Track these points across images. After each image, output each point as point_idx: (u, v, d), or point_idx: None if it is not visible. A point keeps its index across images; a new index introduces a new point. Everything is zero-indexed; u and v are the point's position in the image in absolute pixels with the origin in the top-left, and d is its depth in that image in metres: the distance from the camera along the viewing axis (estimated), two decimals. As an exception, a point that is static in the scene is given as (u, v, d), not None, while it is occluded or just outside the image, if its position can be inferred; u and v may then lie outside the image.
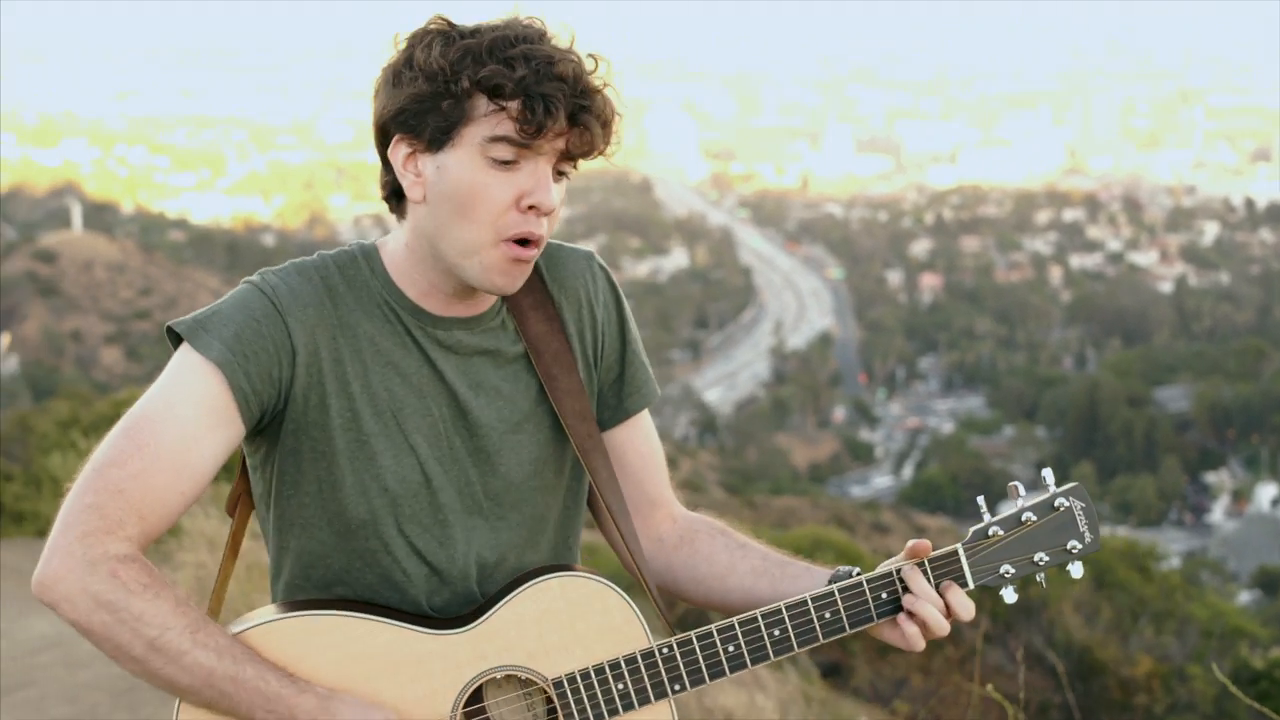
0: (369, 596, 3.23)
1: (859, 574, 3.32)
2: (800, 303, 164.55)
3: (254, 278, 3.22)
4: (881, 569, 3.34)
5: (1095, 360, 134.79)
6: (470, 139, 3.03)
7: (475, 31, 3.04)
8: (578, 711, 3.17)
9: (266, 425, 3.19)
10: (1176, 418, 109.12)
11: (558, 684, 3.16)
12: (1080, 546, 3.40)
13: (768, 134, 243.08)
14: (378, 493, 3.19)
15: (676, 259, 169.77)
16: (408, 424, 3.21)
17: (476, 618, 3.16)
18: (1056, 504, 3.39)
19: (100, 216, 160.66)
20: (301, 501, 3.23)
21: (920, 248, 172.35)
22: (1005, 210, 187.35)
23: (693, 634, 3.20)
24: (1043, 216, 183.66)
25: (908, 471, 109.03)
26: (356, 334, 3.20)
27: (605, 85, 3.11)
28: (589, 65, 3.09)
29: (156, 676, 3.01)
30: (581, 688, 3.17)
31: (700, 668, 3.22)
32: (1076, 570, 3.42)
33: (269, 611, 3.17)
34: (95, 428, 18.81)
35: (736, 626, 3.23)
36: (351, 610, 3.16)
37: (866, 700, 16.60)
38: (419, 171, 3.10)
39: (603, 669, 3.17)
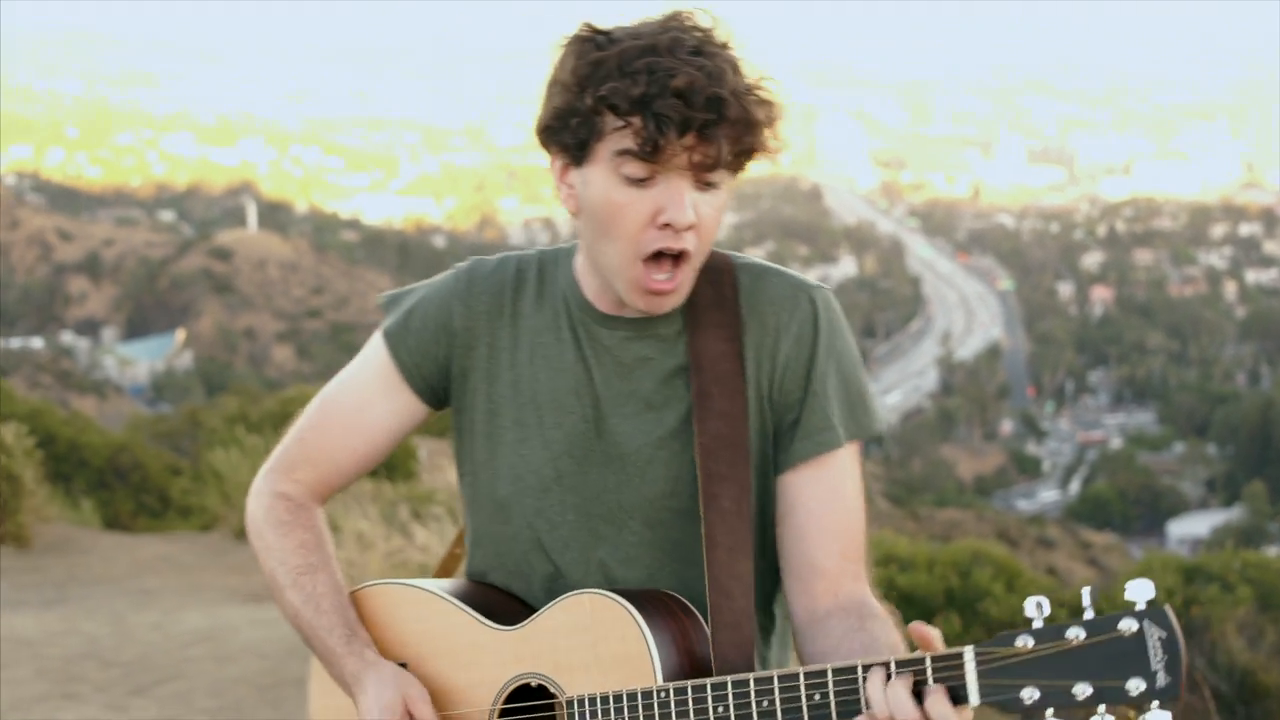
0: (512, 581, 3.30)
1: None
2: (969, 313, 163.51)
3: (459, 263, 3.38)
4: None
5: (1269, 377, 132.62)
6: (604, 155, 2.99)
7: (613, 40, 2.98)
8: None
9: (446, 403, 3.35)
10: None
11: (570, 703, 3.09)
12: (1145, 687, 2.53)
13: (939, 143, 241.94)
14: (511, 480, 3.24)
15: (845, 267, 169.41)
16: (548, 418, 3.21)
17: (528, 618, 3.17)
18: (1121, 625, 2.56)
19: (274, 216, 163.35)
20: (467, 481, 3.36)
21: (1092, 260, 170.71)
22: (1180, 223, 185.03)
23: (688, 684, 2.95)
24: (1218, 230, 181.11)
25: (1075, 486, 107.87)
26: (524, 325, 3.25)
27: (747, 91, 2.98)
28: (725, 70, 2.96)
29: (277, 604, 3.36)
30: (589, 713, 3.07)
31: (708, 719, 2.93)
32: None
33: (394, 580, 3.40)
34: (261, 424, 19.02)
35: (728, 686, 2.91)
36: (469, 587, 3.31)
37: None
38: (570, 184, 3.08)
39: (608, 699, 3.04)
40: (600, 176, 2.99)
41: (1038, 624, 2.64)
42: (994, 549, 22.37)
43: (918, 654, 2.75)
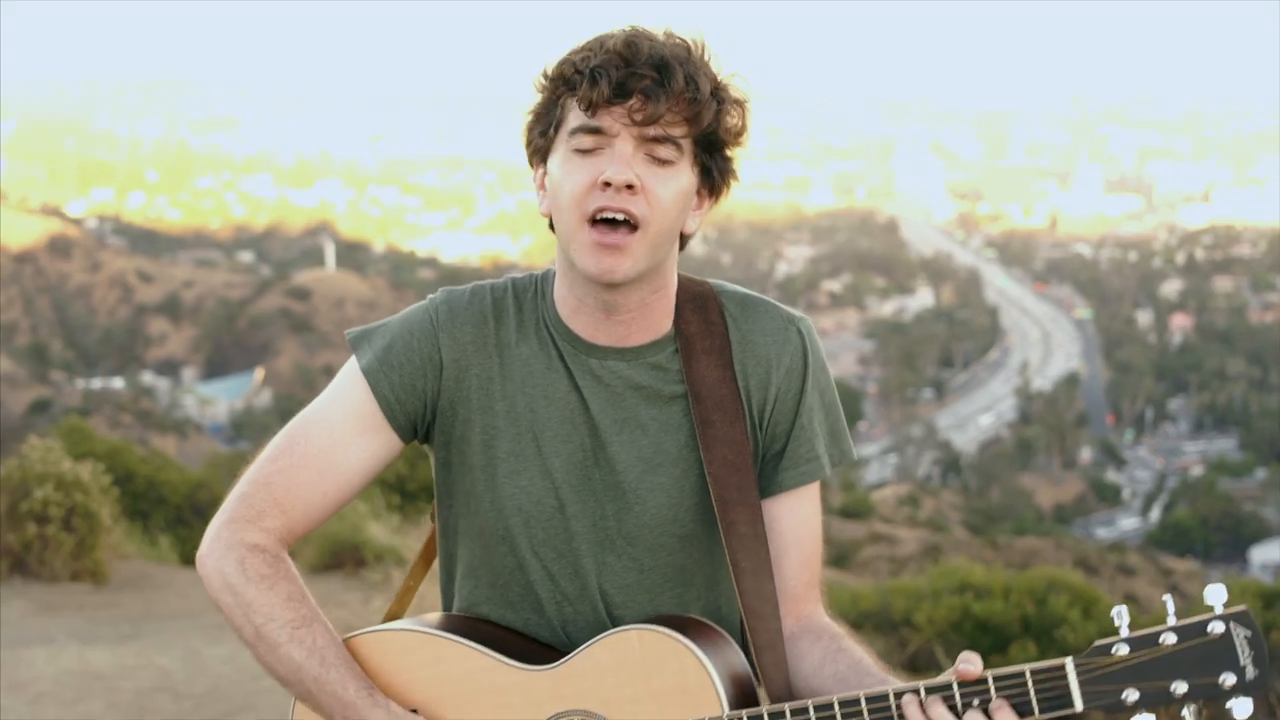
0: (510, 615, 3.31)
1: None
2: (1047, 343, 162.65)
3: (432, 295, 3.36)
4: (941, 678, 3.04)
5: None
6: (562, 139, 3.11)
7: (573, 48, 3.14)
8: None
9: (427, 435, 3.31)
10: None
11: None
12: (1236, 680, 2.84)
13: (1015, 174, 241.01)
14: (512, 511, 3.24)
15: (922, 298, 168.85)
16: (547, 448, 3.23)
17: (555, 659, 3.16)
18: (1210, 628, 2.86)
19: (352, 255, 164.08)
20: (456, 512, 3.33)
21: (1170, 288, 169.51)
22: (1259, 250, 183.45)
23: (764, 710, 3.05)
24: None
25: (1155, 514, 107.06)
26: (512, 355, 3.26)
27: (697, 68, 3.08)
28: (675, 48, 3.07)
29: (262, 662, 3.24)
30: None
31: None
32: (1240, 709, 2.82)
33: (392, 624, 3.32)
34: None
35: (811, 709, 3.02)
36: (455, 632, 3.25)
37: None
38: (544, 185, 3.21)
39: None
40: (558, 160, 3.12)
41: (1124, 631, 2.89)
42: (1070, 576, 22.28)
43: (1020, 668, 2.91)
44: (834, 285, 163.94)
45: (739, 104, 3.15)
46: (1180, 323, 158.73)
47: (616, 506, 3.24)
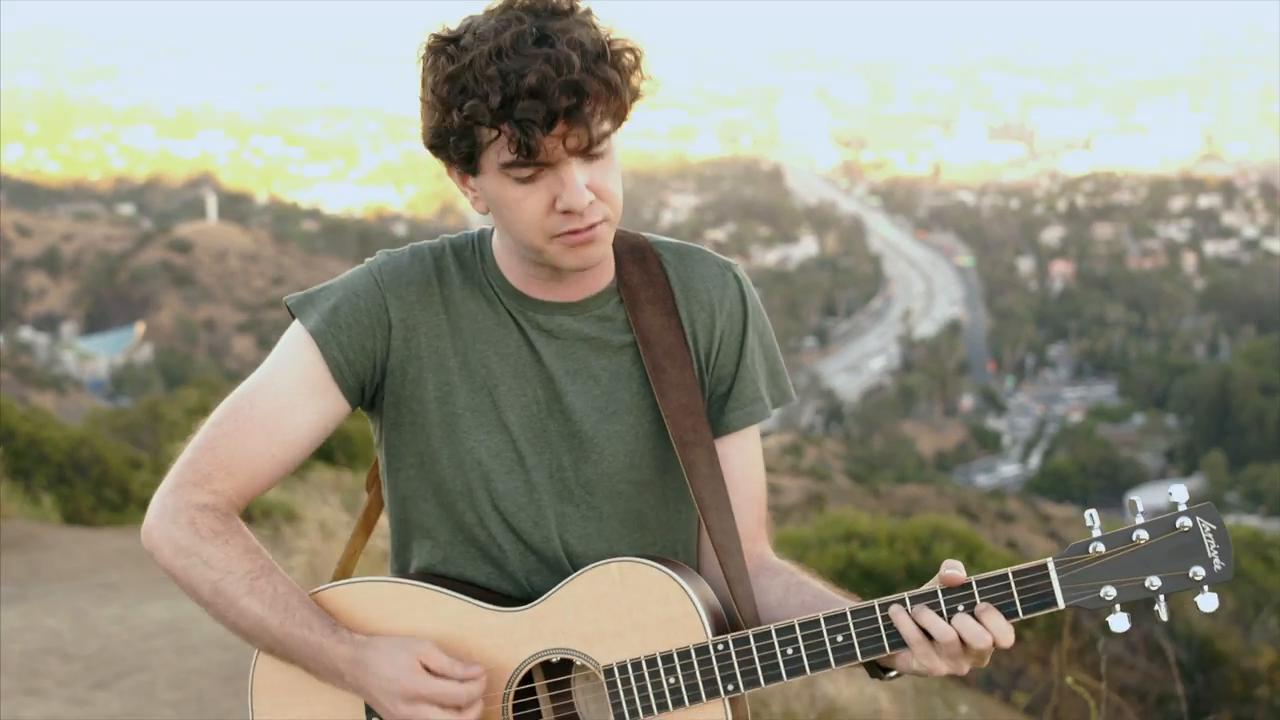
0: (470, 571, 3.29)
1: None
2: (930, 290, 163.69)
3: (371, 257, 3.35)
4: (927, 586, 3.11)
5: (1228, 348, 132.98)
6: (489, 164, 3.06)
7: (462, 48, 3.03)
8: (626, 701, 3.12)
9: (373, 400, 3.31)
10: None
11: (608, 671, 3.13)
12: (1205, 573, 2.96)
13: (899, 121, 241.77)
14: (471, 465, 3.25)
15: (806, 247, 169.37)
16: (502, 401, 3.25)
17: (541, 597, 3.17)
18: (1179, 523, 2.98)
19: (235, 207, 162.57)
20: (407, 475, 3.33)
21: (1052, 235, 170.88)
22: (1139, 197, 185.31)
23: (750, 632, 3.09)
24: (1177, 203, 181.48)
25: (1035, 460, 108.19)
26: (459, 311, 3.27)
27: (599, 58, 3.01)
28: (574, 49, 2.98)
29: (223, 620, 3.19)
30: (632, 677, 3.12)
31: (755, 668, 3.10)
32: (1206, 603, 2.94)
33: (359, 578, 3.30)
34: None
35: (797, 629, 3.09)
36: (424, 582, 3.24)
37: (983, 690, 16.57)
38: (472, 189, 3.17)
39: (655, 660, 3.11)
40: (493, 183, 3.07)
41: (1096, 531, 2.99)
42: (954, 524, 22.58)
43: (1001, 571, 3.03)
44: (719, 234, 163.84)
45: (636, 59, 3.10)
46: (1061, 270, 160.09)
47: (574, 456, 3.27)
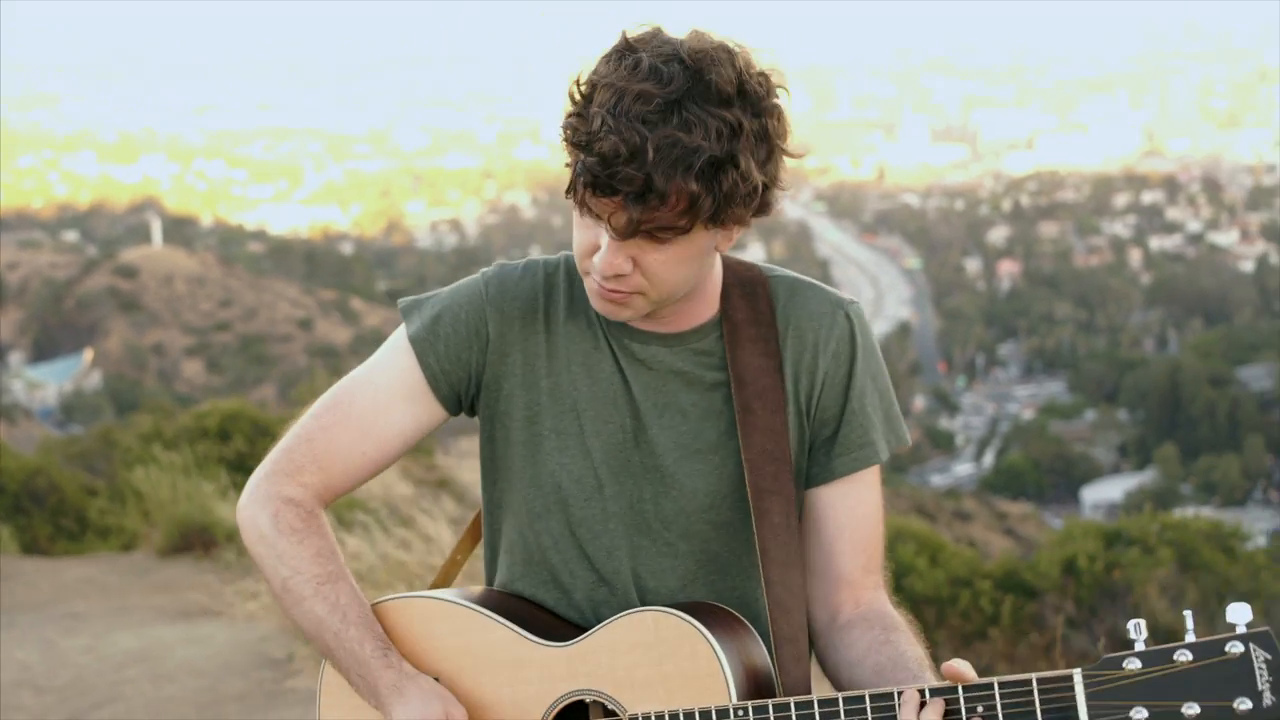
0: (543, 593, 3.33)
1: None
2: (878, 293, 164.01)
3: (486, 268, 3.39)
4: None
5: (1176, 341, 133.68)
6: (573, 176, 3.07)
7: (622, 65, 2.98)
8: None
9: (472, 408, 3.37)
10: (1260, 396, 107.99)
11: (634, 719, 3.12)
12: (1251, 706, 2.69)
13: (843, 127, 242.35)
14: (551, 488, 3.28)
15: (753, 254, 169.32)
16: (588, 427, 3.26)
17: (580, 635, 3.18)
18: (1229, 648, 2.73)
19: (180, 231, 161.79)
20: (500, 487, 3.37)
21: (998, 235, 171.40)
22: (1083, 195, 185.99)
23: (769, 702, 3.04)
24: (1121, 200, 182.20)
25: (989, 458, 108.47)
26: (559, 332, 3.28)
27: (677, 165, 2.92)
28: (687, 143, 2.92)
29: (288, 613, 3.29)
30: None
31: None
32: None
33: (420, 592, 3.37)
34: (177, 441, 19.02)
35: (815, 705, 3.02)
36: (484, 604, 3.27)
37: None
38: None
39: (678, 715, 3.08)
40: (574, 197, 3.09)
41: (1139, 645, 2.79)
42: (915, 524, 22.63)
43: (1027, 676, 2.85)
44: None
45: (751, 189, 3.04)
46: (1008, 269, 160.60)
47: (654, 490, 3.26)
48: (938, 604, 17.58)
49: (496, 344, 3.27)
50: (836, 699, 2.99)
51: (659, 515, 3.26)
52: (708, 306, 3.28)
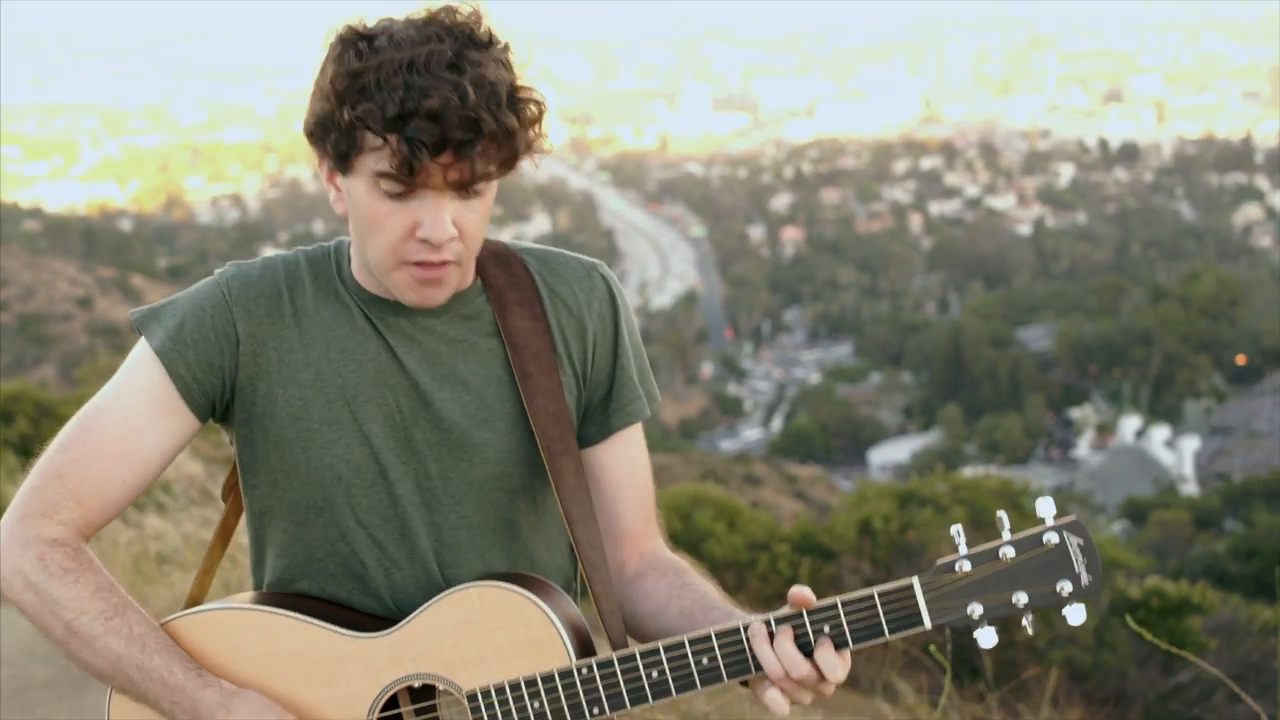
0: (332, 588, 3.20)
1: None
2: (664, 262, 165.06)
3: (220, 269, 3.21)
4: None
5: (958, 304, 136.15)
6: (364, 168, 2.94)
7: (375, 49, 2.91)
8: None
9: (225, 414, 3.19)
10: (1040, 357, 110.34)
11: (472, 696, 3.04)
12: (1072, 588, 2.93)
13: (625, 97, 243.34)
14: (331, 481, 3.14)
15: (538, 225, 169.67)
16: (361, 412, 3.13)
17: (387, 626, 3.08)
18: (1045, 539, 2.93)
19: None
20: (263, 491, 3.21)
21: (780, 202, 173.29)
22: (863, 161, 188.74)
23: (614, 655, 3.01)
24: (900, 166, 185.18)
25: (777, 423, 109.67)
26: (312, 321, 3.15)
27: (504, 102, 2.92)
28: (482, 85, 2.90)
29: (76, 659, 3.06)
30: (496, 703, 3.03)
31: (620, 691, 3.02)
32: (1074, 616, 2.93)
33: (211, 604, 3.17)
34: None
35: (661, 651, 2.99)
36: (278, 608, 3.13)
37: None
38: (338, 187, 3.04)
39: (518, 685, 3.02)
40: (362, 188, 2.95)
41: (962, 548, 2.93)
42: (712, 491, 22.69)
43: (868, 591, 2.93)
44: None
45: (539, 113, 3.02)
46: (791, 235, 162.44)
47: (441, 465, 3.15)
48: (737, 568, 17.63)
49: (247, 344, 3.13)
50: (682, 641, 2.99)
51: (448, 490, 3.17)
52: (466, 278, 3.17)
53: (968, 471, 44.91)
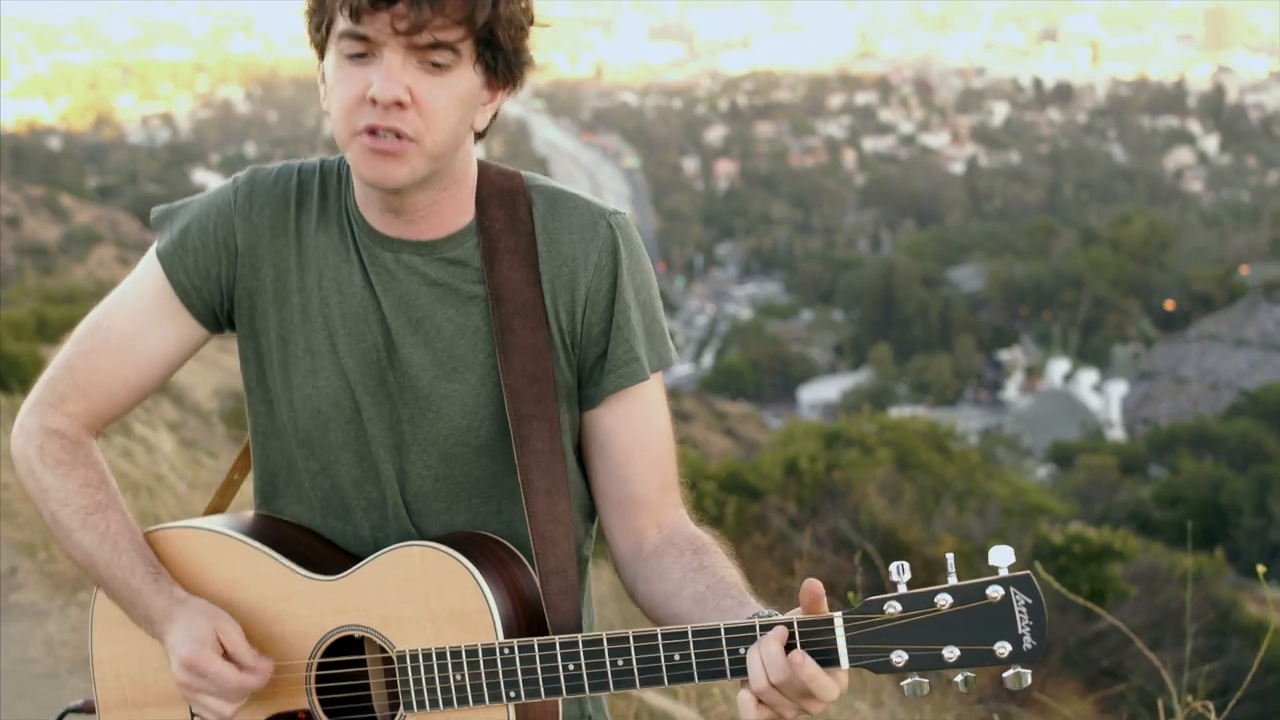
0: (319, 518, 3.15)
1: (769, 616, 2.76)
2: (597, 192, 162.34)
3: (239, 173, 3.14)
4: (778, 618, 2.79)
5: (890, 242, 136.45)
6: (333, 38, 2.88)
7: None
8: (415, 691, 2.95)
9: (231, 324, 3.14)
10: (970, 297, 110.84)
11: (401, 658, 2.97)
12: (1011, 650, 2.64)
13: (560, 23, 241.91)
14: (310, 413, 3.08)
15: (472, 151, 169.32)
16: (342, 346, 3.05)
17: (348, 569, 3.01)
18: (989, 592, 2.64)
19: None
20: (260, 410, 3.17)
21: (715, 134, 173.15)
22: (798, 95, 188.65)
23: (535, 641, 2.88)
24: (835, 101, 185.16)
25: (708, 359, 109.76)
26: (309, 244, 3.07)
27: None
28: None
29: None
30: (422, 667, 2.95)
31: (537, 680, 2.88)
32: (1012, 682, 2.65)
33: (191, 521, 3.19)
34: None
35: (579, 645, 2.86)
36: (258, 532, 3.11)
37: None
38: (323, 79, 2.98)
39: (444, 654, 2.93)
40: (332, 62, 2.89)
41: (901, 587, 2.68)
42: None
43: (785, 617, 2.72)
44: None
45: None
46: (725, 169, 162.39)
47: (410, 411, 3.05)
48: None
49: (246, 257, 3.08)
50: (600, 639, 2.85)
51: (417, 438, 3.06)
52: (462, 210, 3.06)
53: (895, 412, 45.20)
